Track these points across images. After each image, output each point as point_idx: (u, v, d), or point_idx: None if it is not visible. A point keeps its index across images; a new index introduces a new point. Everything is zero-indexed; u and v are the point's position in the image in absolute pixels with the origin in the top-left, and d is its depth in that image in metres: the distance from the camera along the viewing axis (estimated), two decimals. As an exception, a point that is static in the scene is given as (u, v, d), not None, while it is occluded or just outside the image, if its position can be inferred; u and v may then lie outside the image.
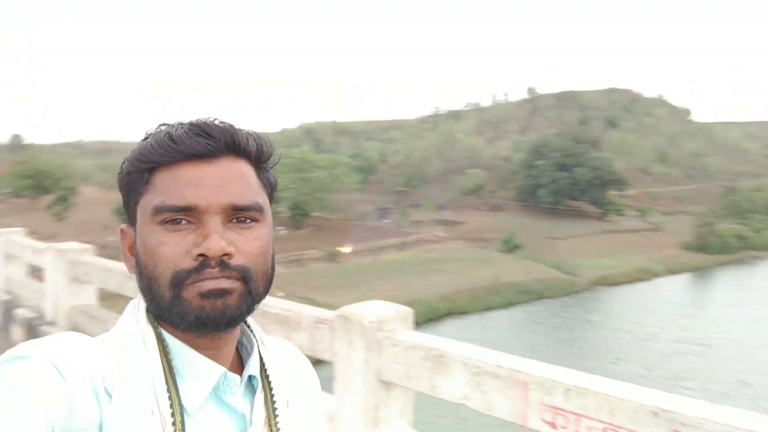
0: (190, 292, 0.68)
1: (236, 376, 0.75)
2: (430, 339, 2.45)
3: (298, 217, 47.60)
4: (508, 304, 34.14)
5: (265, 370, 0.78)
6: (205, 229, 0.69)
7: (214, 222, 0.69)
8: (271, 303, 3.05)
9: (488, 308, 33.41)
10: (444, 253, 44.15)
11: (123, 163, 0.74)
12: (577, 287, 40.11)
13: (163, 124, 0.74)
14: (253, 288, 0.71)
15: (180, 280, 0.68)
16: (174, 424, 0.66)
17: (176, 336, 0.72)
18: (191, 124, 0.71)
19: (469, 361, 2.19)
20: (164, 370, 0.68)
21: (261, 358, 0.79)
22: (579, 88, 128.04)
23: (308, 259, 38.32)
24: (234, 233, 0.70)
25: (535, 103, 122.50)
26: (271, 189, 0.78)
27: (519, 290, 36.64)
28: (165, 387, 0.67)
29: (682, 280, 44.04)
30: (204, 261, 0.68)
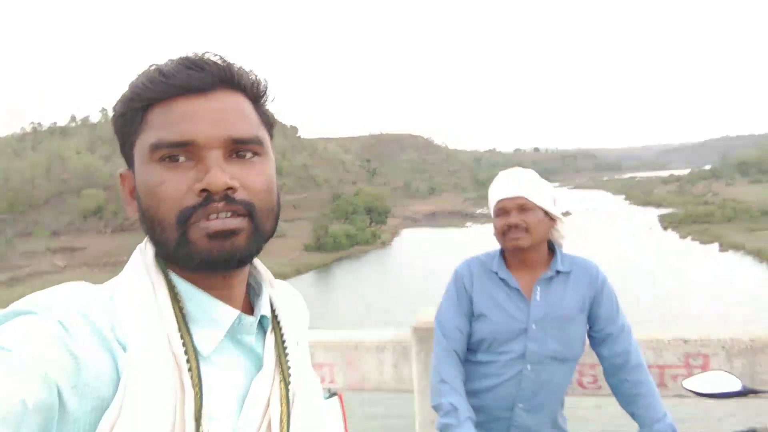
0: (197, 233, 0.65)
1: (251, 318, 0.73)
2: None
3: None
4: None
5: (275, 311, 0.78)
6: (205, 164, 0.66)
7: (215, 156, 0.66)
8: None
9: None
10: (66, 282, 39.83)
11: (115, 105, 0.71)
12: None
13: (153, 64, 0.71)
14: (260, 225, 0.69)
15: (185, 219, 0.65)
16: (190, 369, 0.64)
17: (187, 278, 0.70)
18: (182, 58, 0.68)
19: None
20: (176, 316, 0.67)
21: (270, 299, 0.78)
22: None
23: None
24: (236, 168, 0.68)
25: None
26: (269, 125, 0.75)
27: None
28: (178, 334, 0.66)
29: (307, 277, 49.13)
30: (208, 196, 0.65)
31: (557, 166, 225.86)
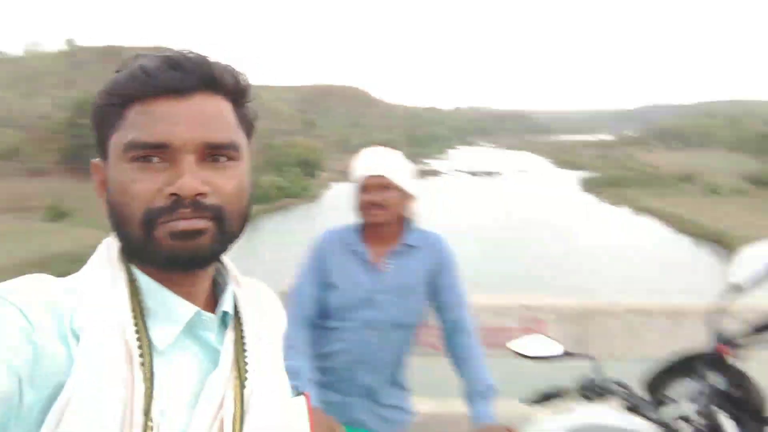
0: (161, 232, 0.66)
1: (210, 314, 0.74)
2: None
3: None
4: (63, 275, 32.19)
5: (237, 309, 0.78)
6: (178, 168, 0.66)
7: (188, 161, 0.67)
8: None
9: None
10: (-26, 228, 37.91)
11: (96, 95, 0.71)
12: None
13: (138, 56, 0.71)
14: (227, 227, 0.70)
15: (152, 219, 0.66)
16: (143, 364, 0.65)
17: (150, 274, 0.70)
18: (165, 57, 0.68)
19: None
20: (134, 309, 0.67)
21: (234, 296, 0.79)
22: (125, 43, 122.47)
23: None
24: (209, 172, 0.68)
25: (75, 56, 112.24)
26: (249, 126, 0.76)
27: (72, 260, 34.66)
28: (134, 327, 0.66)
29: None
30: (177, 200, 0.66)
31: (491, 126, 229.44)
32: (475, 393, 1.89)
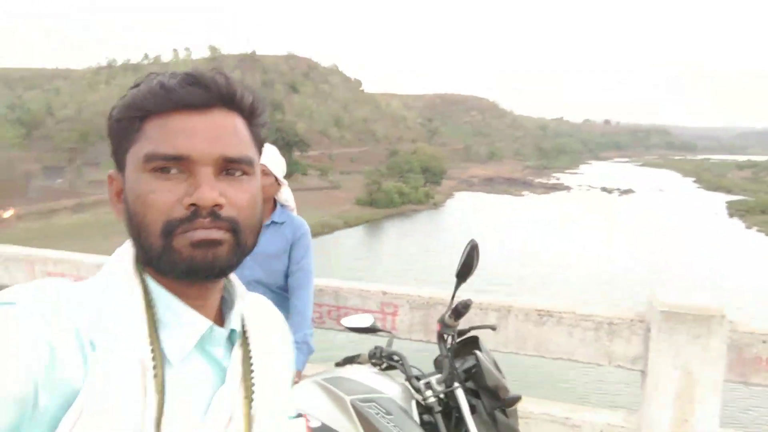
0: (181, 242, 0.67)
1: (222, 330, 0.75)
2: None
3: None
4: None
5: (244, 326, 0.79)
6: (196, 179, 0.68)
7: (206, 173, 0.68)
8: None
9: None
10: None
11: (112, 109, 0.73)
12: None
13: (153, 74, 0.73)
14: (242, 240, 0.71)
15: (171, 229, 0.67)
16: (156, 376, 0.65)
17: (164, 285, 0.71)
18: (186, 74, 0.70)
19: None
20: (148, 320, 0.68)
21: (241, 314, 0.80)
22: (260, 52, 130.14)
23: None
24: (225, 185, 0.70)
25: (217, 62, 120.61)
26: (260, 144, 0.78)
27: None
28: (148, 339, 0.67)
29: (356, 231, 49.73)
30: (195, 211, 0.67)
31: (627, 141, 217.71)
32: (294, 332, 2.37)
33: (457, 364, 2.07)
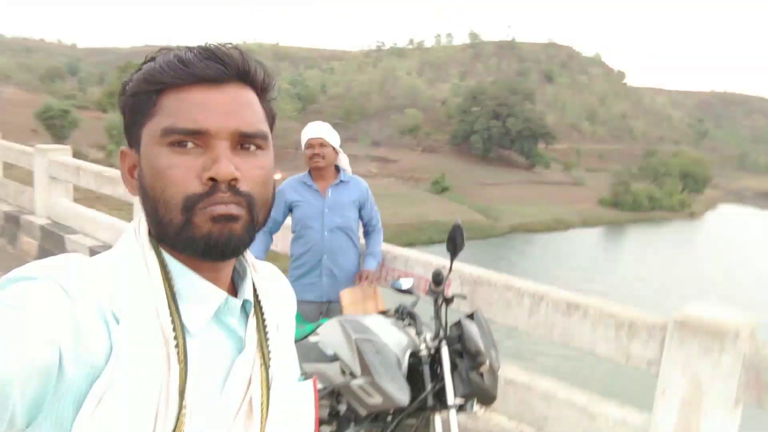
0: (201, 217, 0.68)
1: (237, 301, 0.76)
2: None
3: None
4: (429, 242, 35.43)
5: (257, 295, 0.80)
6: (213, 153, 0.68)
7: (223, 146, 0.69)
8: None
9: (411, 243, 34.58)
10: (375, 189, 44.73)
11: (126, 84, 0.73)
12: (496, 231, 42.22)
13: (165, 48, 0.73)
14: (255, 216, 0.72)
15: (191, 204, 0.68)
16: (177, 346, 0.67)
17: (178, 259, 0.72)
18: (202, 48, 0.71)
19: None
20: (167, 293, 0.69)
21: (253, 283, 0.81)
22: (519, 39, 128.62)
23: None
24: (240, 160, 0.70)
25: (476, 49, 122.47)
26: (271, 119, 0.78)
27: (441, 229, 37.97)
28: (168, 311, 0.68)
29: (594, 232, 46.78)
30: (214, 185, 0.68)
31: None
32: (367, 254, 3.42)
33: (458, 330, 2.48)
